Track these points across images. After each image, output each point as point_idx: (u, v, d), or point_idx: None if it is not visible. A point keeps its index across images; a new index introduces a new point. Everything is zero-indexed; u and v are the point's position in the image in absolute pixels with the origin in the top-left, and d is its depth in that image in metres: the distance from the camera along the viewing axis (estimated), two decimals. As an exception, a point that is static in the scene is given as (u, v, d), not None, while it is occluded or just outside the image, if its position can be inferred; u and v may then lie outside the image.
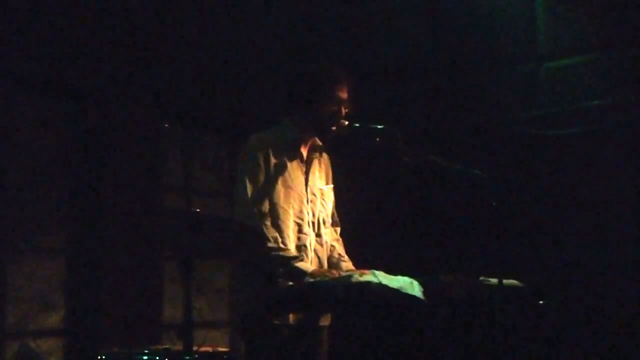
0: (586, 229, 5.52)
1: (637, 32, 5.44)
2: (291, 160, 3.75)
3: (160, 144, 5.71)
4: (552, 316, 5.29)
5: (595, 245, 5.48)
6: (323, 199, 3.87)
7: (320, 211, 3.84)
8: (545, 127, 5.70)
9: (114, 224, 5.22)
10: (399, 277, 3.28)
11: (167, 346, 4.10)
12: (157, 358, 3.80)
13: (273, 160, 3.69)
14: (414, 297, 3.23)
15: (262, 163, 3.67)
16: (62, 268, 5.20)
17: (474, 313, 3.91)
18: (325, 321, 3.79)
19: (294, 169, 3.75)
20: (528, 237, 5.61)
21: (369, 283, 3.19)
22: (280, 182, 3.68)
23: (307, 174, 3.81)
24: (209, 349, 3.95)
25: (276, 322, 3.59)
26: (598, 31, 5.63)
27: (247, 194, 3.62)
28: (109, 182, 5.26)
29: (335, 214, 4.00)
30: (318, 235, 3.80)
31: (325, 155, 3.96)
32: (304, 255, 3.68)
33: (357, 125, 3.73)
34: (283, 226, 3.65)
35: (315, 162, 3.88)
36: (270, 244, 3.55)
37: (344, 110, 3.74)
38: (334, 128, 3.72)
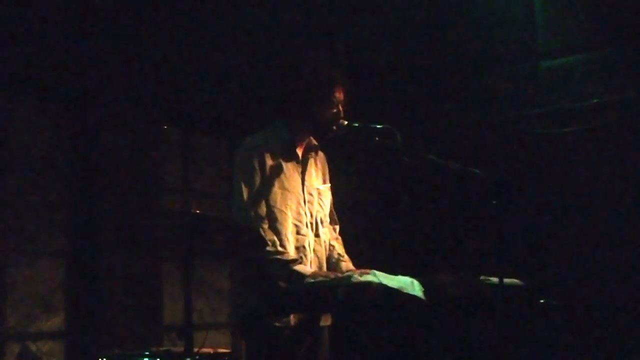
0: (586, 227, 5.52)
1: (635, 30, 5.44)
2: (287, 161, 3.75)
3: (159, 146, 5.71)
4: (553, 315, 5.29)
5: (596, 243, 5.49)
6: (320, 199, 3.87)
7: (318, 211, 3.83)
8: (544, 126, 5.70)
9: (114, 226, 5.21)
10: (400, 277, 3.28)
11: (167, 348, 4.10)
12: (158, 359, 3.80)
13: (269, 163, 3.68)
14: (414, 296, 3.23)
15: (257, 165, 3.66)
16: (62, 270, 5.19)
17: (475, 312, 3.91)
18: (326, 321, 3.79)
19: (290, 170, 3.75)
20: (528, 236, 5.61)
21: (369, 283, 3.18)
22: (276, 184, 3.68)
23: (303, 174, 3.80)
24: (210, 351, 3.94)
25: (277, 323, 3.59)
26: (596, 30, 5.63)
27: (243, 197, 3.61)
28: (108, 183, 5.25)
29: (334, 213, 3.99)
30: (317, 235, 3.80)
31: (321, 154, 3.96)
32: (303, 256, 3.68)
33: (357, 124, 3.72)
34: (281, 228, 3.64)
35: (311, 162, 3.87)
36: (269, 248, 3.54)
37: (341, 111, 3.74)
38: (334, 128, 3.72)
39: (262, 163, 3.67)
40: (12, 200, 5.00)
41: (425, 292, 3.27)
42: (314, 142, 3.87)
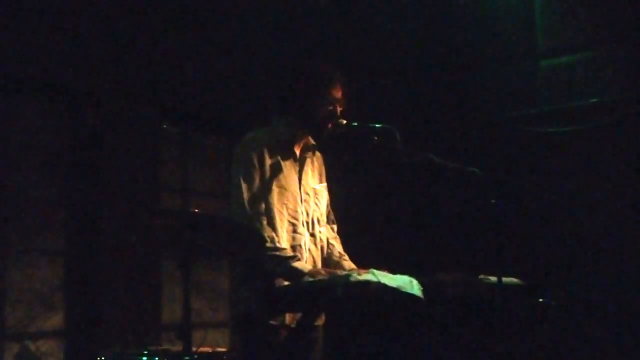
0: (585, 227, 5.52)
1: (634, 30, 5.44)
2: (285, 159, 3.75)
3: (158, 145, 5.71)
4: (552, 314, 5.29)
5: (595, 242, 5.48)
6: (317, 198, 3.87)
7: (314, 210, 3.84)
8: (543, 125, 5.70)
9: (113, 225, 5.21)
10: (398, 276, 3.28)
11: (166, 347, 4.10)
12: (157, 359, 3.79)
13: (267, 160, 3.69)
14: (413, 295, 3.23)
15: (256, 162, 3.66)
16: (61, 269, 5.20)
17: (474, 311, 3.91)
18: (320, 320, 3.79)
19: (288, 169, 3.75)
20: (527, 235, 5.61)
21: (368, 282, 3.18)
22: (274, 181, 3.68)
23: (300, 173, 3.81)
24: (208, 350, 3.94)
25: (272, 322, 3.59)
26: (595, 29, 5.63)
27: (242, 194, 3.61)
28: (108, 183, 5.25)
29: (331, 213, 4.00)
30: (312, 235, 3.81)
31: (318, 154, 3.96)
32: (299, 255, 3.68)
33: (356, 124, 3.73)
34: (278, 226, 3.65)
35: (309, 161, 3.87)
36: (268, 244, 3.55)
37: (338, 110, 3.74)
38: (329, 126, 3.72)
39: (261, 160, 3.67)
40: (12, 199, 5.00)
41: (424, 291, 3.27)
42: (312, 141, 3.87)
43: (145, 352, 3.88)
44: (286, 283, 3.55)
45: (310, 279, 3.44)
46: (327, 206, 3.97)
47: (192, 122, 6.02)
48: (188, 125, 6.02)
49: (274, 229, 3.62)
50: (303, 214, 3.77)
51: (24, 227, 5.05)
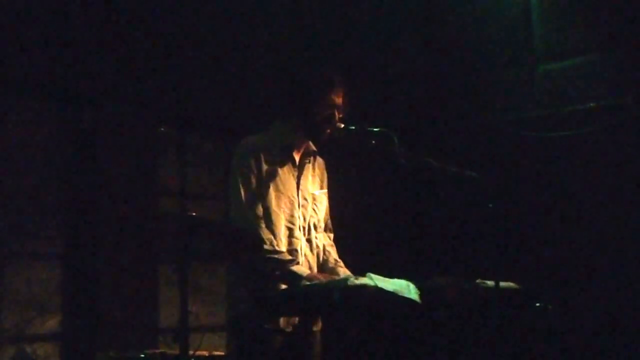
0: (582, 231, 5.52)
1: (633, 34, 5.45)
2: (282, 164, 3.75)
3: (156, 148, 5.70)
4: (549, 318, 5.29)
5: (593, 246, 5.48)
6: (315, 204, 3.86)
7: (311, 216, 3.83)
8: (541, 129, 5.70)
9: (110, 228, 5.21)
10: (395, 280, 3.27)
11: (163, 350, 4.09)
12: (154, 362, 3.79)
13: (264, 164, 3.69)
14: (410, 300, 3.23)
15: (253, 166, 3.66)
16: (58, 272, 5.19)
17: (471, 316, 3.91)
18: (317, 326, 3.79)
19: (285, 174, 3.75)
20: (525, 239, 5.61)
21: (365, 286, 3.18)
22: (271, 185, 3.68)
23: (299, 178, 3.80)
24: (205, 353, 3.94)
25: (267, 326, 3.59)
26: (593, 33, 5.64)
27: (241, 197, 3.62)
28: (105, 186, 5.24)
29: (329, 222, 3.98)
30: (308, 240, 3.80)
31: (320, 160, 3.95)
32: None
33: (353, 127, 3.72)
34: (275, 230, 3.65)
35: (308, 167, 3.87)
36: (266, 247, 3.55)
37: (337, 115, 3.73)
38: (328, 131, 3.71)
39: (258, 164, 3.68)
40: (9, 201, 4.99)
41: (421, 295, 3.27)
42: (313, 147, 3.87)
43: (142, 355, 3.89)
44: (284, 287, 3.54)
45: (308, 283, 3.43)
46: (327, 213, 3.96)
47: (190, 125, 6.01)
48: (186, 128, 6.01)
49: (272, 232, 3.63)
50: (300, 218, 3.76)
51: (21, 230, 5.04)
